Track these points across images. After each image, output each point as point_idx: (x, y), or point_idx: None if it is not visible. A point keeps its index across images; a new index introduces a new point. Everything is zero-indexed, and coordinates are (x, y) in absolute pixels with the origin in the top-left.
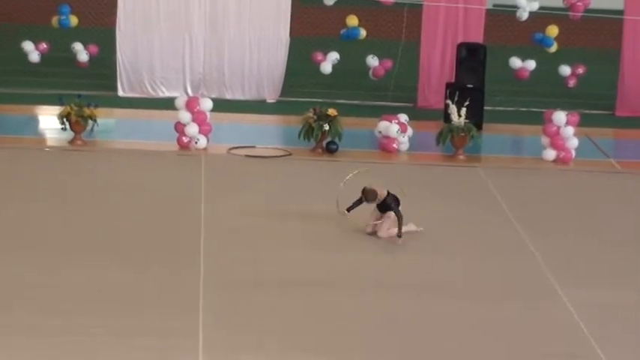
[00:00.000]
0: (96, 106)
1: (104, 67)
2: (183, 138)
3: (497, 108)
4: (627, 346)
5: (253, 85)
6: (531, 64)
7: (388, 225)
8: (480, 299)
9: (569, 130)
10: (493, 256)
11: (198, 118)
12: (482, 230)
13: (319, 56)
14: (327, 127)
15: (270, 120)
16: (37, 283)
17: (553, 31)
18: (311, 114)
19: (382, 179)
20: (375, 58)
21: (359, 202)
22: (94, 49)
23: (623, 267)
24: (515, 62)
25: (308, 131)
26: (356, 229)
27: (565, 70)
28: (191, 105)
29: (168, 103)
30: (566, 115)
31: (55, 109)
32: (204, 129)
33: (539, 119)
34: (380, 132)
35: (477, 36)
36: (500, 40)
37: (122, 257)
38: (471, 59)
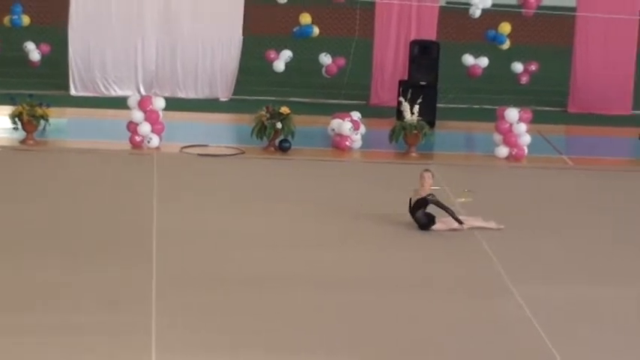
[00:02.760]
0: (48, 106)
1: (56, 67)
2: (136, 137)
3: (450, 105)
4: (578, 340)
5: (206, 84)
6: (484, 62)
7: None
8: (432, 296)
9: (522, 127)
10: (445, 253)
11: (151, 117)
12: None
13: (272, 54)
14: (279, 125)
15: (223, 118)
16: None
17: (506, 28)
18: (264, 112)
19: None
20: (328, 55)
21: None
22: (45, 48)
23: (575, 263)
24: (468, 59)
25: (261, 129)
26: (308, 225)
27: (517, 67)
28: (144, 104)
29: (120, 102)
30: (519, 111)
31: (7, 109)
32: (157, 128)
33: (492, 116)
34: (333, 130)
35: (430, 33)
36: (453, 37)
37: (73, 256)
38: (424, 56)
